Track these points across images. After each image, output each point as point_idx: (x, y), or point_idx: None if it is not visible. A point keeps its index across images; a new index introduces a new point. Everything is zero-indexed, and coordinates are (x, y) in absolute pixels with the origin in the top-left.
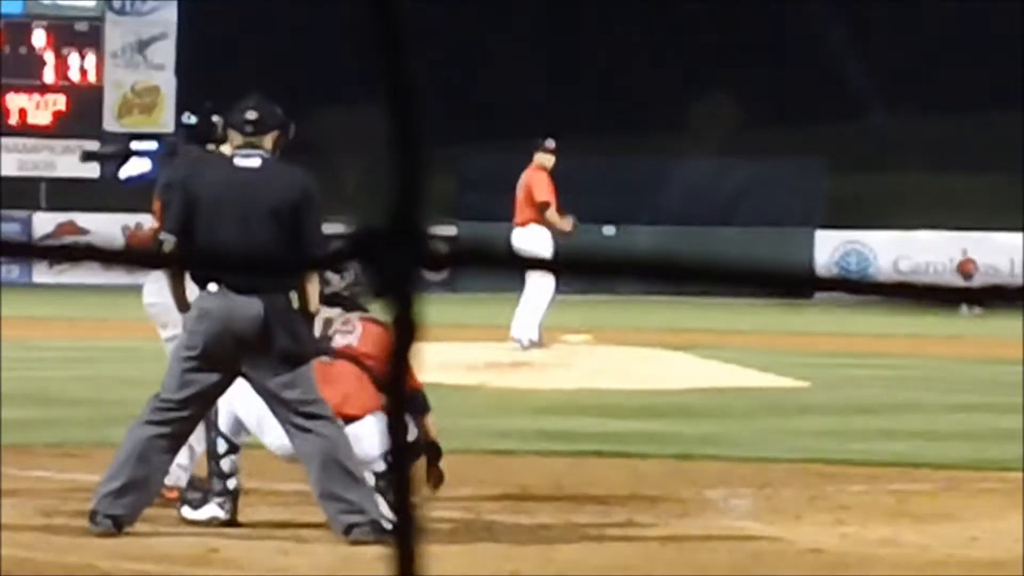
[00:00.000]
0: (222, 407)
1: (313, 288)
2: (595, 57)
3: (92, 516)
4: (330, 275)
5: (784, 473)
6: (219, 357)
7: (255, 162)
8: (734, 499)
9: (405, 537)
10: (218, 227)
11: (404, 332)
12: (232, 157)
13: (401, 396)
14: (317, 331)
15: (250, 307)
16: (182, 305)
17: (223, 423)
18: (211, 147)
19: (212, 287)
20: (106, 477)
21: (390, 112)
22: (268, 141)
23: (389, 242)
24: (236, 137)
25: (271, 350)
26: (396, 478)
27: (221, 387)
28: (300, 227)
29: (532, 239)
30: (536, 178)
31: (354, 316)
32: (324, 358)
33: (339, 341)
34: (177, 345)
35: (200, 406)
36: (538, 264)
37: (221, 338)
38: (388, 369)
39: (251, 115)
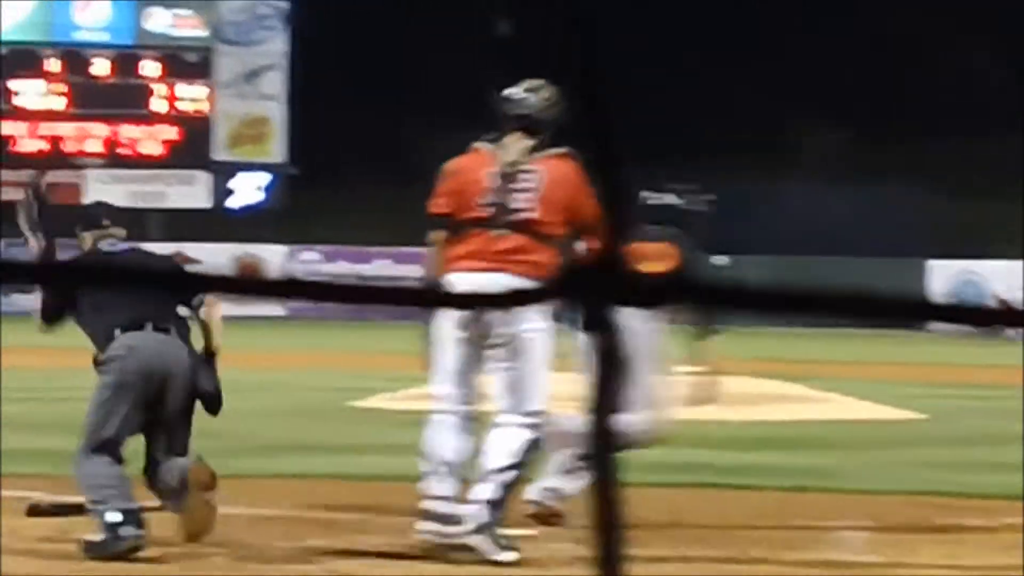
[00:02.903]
0: None
1: (217, 326)
2: (702, 81)
3: (113, 529)
4: None
5: (900, 505)
6: (146, 394)
7: (123, 247)
8: (848, 532)
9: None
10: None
11: (608, 364)
12: (98, 244)
13: (607, 430)
14: None
15: (178, 347)
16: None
17: None
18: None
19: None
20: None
21: (591, 150)
22: (123, 231)
23: (594, 278)
24: (94, 234)
25: (194, 391)
26: (601, 508)
27: (139, 424)
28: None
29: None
30: None
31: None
32: None
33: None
34: (101, 385)
35: (126, 436)
36: (744, 299)
37: (150, 376)
38: (594, 401)
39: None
